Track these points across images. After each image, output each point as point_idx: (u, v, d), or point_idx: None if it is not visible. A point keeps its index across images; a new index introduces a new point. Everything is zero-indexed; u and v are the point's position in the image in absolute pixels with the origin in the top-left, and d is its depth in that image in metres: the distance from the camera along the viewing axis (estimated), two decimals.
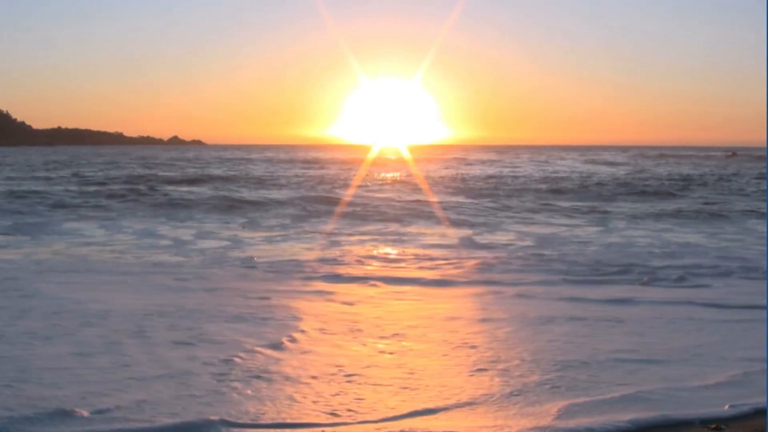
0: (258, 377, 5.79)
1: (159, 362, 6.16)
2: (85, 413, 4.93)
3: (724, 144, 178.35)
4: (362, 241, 15.04)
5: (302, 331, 7.28)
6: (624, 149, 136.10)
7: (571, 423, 4.94)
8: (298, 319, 7.85)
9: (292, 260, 12.26)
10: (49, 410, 4.95)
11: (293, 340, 6.92)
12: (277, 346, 6.67)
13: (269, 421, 4.91)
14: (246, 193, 28.40)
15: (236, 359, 6.22)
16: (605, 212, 21.81)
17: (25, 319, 7.66)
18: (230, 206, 22.88)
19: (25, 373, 5.79)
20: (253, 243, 14.77)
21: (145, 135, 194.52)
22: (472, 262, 12.09)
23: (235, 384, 5.60)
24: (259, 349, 6.57)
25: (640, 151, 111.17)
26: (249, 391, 5.44)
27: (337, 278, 10.63)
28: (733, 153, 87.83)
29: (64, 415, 4.90)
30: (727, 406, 5.28)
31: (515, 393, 5.52)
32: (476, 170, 50.24)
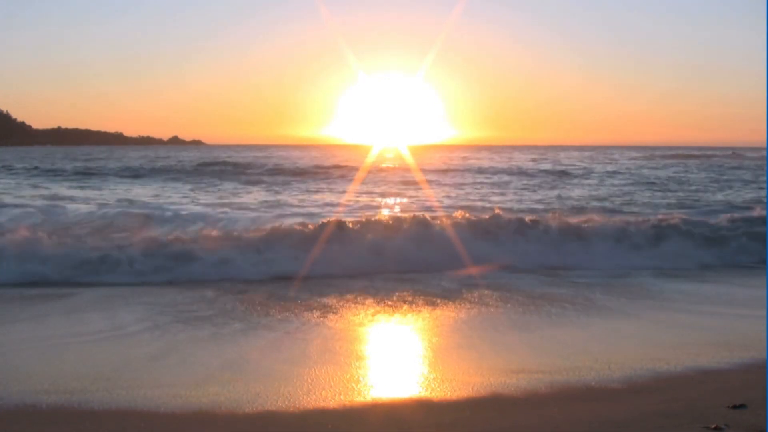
0: None
1: None
2: None
3: (723, 144, 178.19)
4: None
5: None
6: (650, 149, 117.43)
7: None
8: None
9: None
10: None
11: None
12: None
13: None
14: None
15: None
16: None
17: None
18: None
19: None
20: None
21: (145, 135, 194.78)
22: None
23: None
24: None
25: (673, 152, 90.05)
26: None
27: None
28: (732, 153, 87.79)
29: None
30: (727, 407, 5.22)
31: None
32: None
